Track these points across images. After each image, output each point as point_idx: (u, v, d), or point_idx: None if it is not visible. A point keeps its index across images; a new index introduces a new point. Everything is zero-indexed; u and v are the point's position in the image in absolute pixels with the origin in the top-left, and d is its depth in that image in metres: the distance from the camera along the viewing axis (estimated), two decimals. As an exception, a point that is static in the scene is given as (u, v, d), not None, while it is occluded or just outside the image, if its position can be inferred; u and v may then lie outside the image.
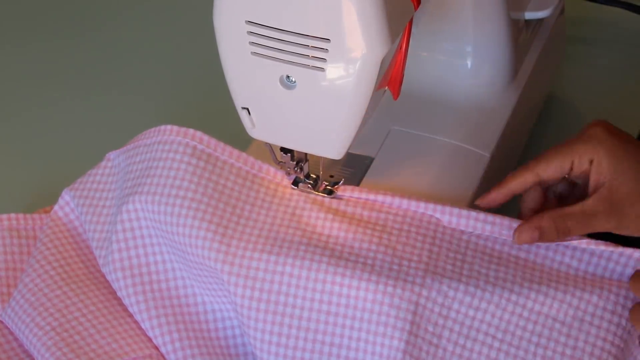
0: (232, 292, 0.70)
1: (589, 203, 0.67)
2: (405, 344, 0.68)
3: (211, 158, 0.74)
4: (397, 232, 0.71)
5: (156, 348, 0.73)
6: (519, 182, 0.70)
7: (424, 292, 0.68)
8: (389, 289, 0.68)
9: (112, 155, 0.81)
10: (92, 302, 0.75)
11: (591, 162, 0.67)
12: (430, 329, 0.68)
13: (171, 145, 0.75)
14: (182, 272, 0.74)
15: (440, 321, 0.68)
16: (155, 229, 0.74)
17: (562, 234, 0.68)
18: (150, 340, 0.74)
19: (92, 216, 0.78)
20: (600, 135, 0.67)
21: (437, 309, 0.68)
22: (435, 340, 0.68)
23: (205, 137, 0.75)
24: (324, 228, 0.72)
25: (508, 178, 0.71)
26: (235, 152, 0.75)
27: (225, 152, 0.75)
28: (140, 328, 0.74)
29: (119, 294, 0.75)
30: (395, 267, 0.69)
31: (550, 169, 0.69)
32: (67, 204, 0.81)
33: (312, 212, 0.73)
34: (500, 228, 0.71)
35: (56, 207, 0.81)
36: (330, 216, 0.72)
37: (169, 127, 0.76)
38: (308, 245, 0.71)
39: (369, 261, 0.69)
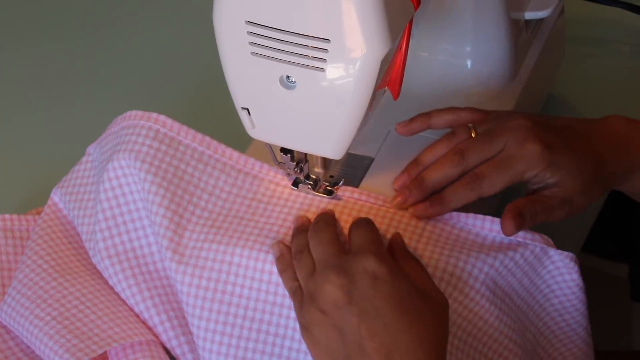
0: (180, 280, 0.71)
1: (546, 195, 0.71)
2: None
3: (173, 142, 0.75)
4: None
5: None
6: (462, 201, 0.72)
7: None
8: None
9: (90, 149, 0.81)
10: (89, 291, 0.75)
11: (535, 176, 0.71)
12: None
13: (134, 129, 0.76)
14: (160, 254, 0.75)
15: None
16: (135, 209, 0.74)
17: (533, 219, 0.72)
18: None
19: (79, 210, 0.78)
20: (538, 154, 0.71)
21: None
22: None
23: (169, 121, 0.76)
24: (278, 219, 0.73)
25: (449, 196, 0.72)
26: (199, 135, 0.76)
27: (189, 136, 0.76)
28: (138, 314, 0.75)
29: (110, 282, 0.75)
30: None
31: (495, 189, 0.71)
32: (55, 203, 0.81)
33: (269, 205, 0.74)
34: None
35: (46, 207, 0.81)
36: (285, 209, 0.73)
37: (133, 112, 0.77)
38: (259, 236, 0.71)
39: None
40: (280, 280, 0.69)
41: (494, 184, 0.71)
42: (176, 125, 0.76)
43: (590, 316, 0.75)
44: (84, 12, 1.17)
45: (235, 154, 0.76)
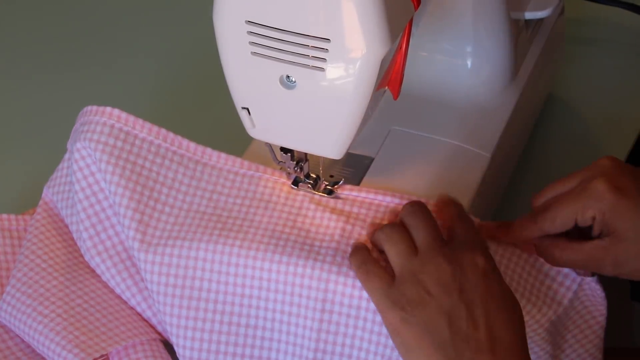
0: (149, 279, 0.71)
1: (589, 247, 0.69)
2: (319, 323, 0.69)
3: (129, 136, 0.75)
4: (312, 214, 0.72)
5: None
6: (525, 234, 0.71)
7: (334, 269, 0.69)
8: (299, 269, 0.69)
9: (68, 145, 0.81)
10: (91, 290, 0.75)
11: (593, 218, 0.68)
12: (345, 310, 0.69)
13: (89, 126, 0.75)
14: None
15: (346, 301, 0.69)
16: (114, 203, 0.74)
17: (561, 266, 0.71)
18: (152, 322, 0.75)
19: (66, 209, 0.78)
20: (601, 192, 0.67)
21: (348, 291, 0.69)
22: (344, 320, 0.69)
23: (124, 115, 0.75)
24: (240, 212, 0.73)
25: (515, 227, 0.71)
26: (155, 128, 0.75)
27: (144, 129, 0.75)
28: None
29: (103, 278, 0.75)
30: (306, 247, 0.70)
31: (555, 225, 0.69)
32: (47, 202, 0.81)
33: (229, 197, 0.74)
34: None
35: (38, 206, 0.81)
36: (247, 201, 0.73)
37: (89, 107, 0.76)
38: (222, 230, 0.71)
39: (281, 242, 0.70)
40: (247, 272, 0.70)
41: (553, 221, 0.69)
42: (131, 118, 0.75)
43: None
44: (84, 11, 1.18)
45: (192, 145, 0.75)
